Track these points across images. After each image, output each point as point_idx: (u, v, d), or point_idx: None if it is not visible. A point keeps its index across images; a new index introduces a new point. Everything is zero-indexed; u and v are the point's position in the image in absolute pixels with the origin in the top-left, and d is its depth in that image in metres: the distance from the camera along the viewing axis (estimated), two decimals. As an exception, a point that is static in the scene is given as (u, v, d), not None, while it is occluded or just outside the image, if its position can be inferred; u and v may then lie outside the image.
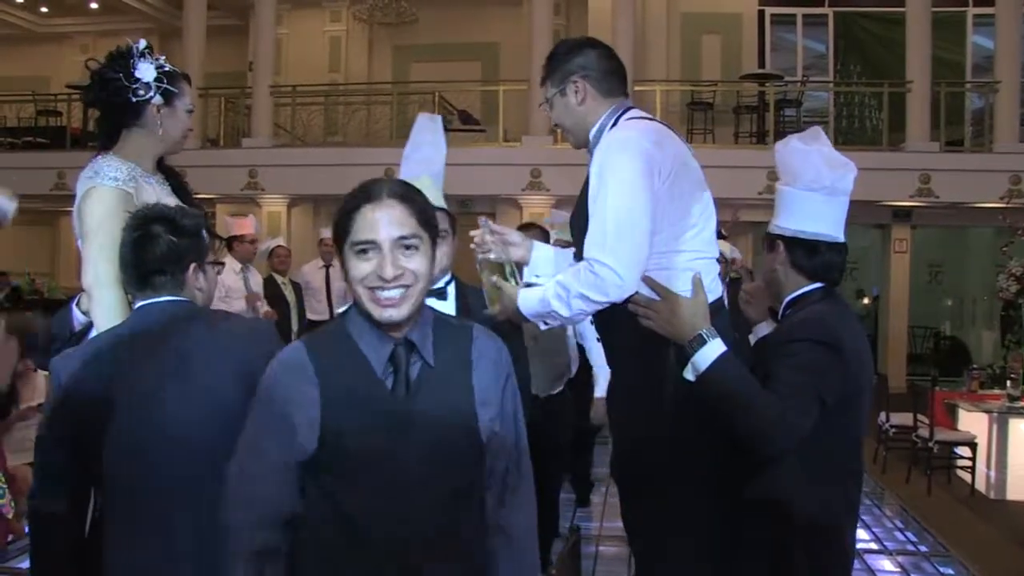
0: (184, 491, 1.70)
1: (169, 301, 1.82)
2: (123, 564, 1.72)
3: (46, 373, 2.34)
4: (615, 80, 2.06)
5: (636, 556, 2.13)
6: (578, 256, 2.09)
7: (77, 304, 2.19)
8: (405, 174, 2.22)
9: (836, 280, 2.04)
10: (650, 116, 2.08)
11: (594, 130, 2.04)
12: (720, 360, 1.81)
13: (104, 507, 1.78)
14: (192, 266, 1.84)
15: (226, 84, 12.12)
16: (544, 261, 2.17)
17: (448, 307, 2.22)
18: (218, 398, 1.72)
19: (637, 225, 1.86)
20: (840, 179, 1.98)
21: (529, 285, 2.11)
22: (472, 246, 2.10)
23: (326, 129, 12.06)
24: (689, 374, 1.85)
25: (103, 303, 2.08)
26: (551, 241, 3.97)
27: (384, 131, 11.47)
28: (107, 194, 2.12)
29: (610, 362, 2.14)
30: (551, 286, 1.92)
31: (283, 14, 12.77)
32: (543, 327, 2.02)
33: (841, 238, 2.02)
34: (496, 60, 12.62)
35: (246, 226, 5.98)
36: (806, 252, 2.00)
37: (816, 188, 1.98)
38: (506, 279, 2.04)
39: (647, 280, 1.88)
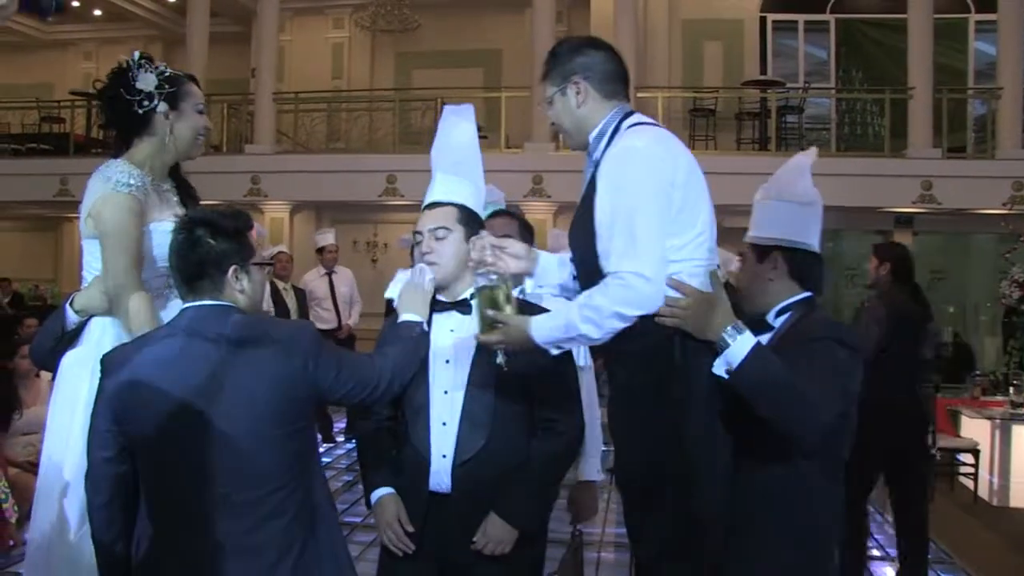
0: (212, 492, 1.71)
1: (209, 306, 1.79)
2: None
3: (48, 376, 2.35)
4: (617, 83, 2.00)
5: (640, 563, 2.09)
6: (578, 265, 2.04)
7: (71, 304, 2.19)
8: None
9: (821, 289, 2.08)
10: (654, 121, 2.04)
11: (594, 134, 1.98)
12: (756, 349, 1.81)
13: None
14: (232, 268, 1.81)
15: (229, 91, 12.15)
16: (550, 271, 2.10)
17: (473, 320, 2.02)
18: (246, 405, 1.72)
19: (659, 234, 1.84)
20: (815, 191, 2.06)
21: (524, 302, 2.03)
22: (469, 264, 2.01)
23: (328, 135, 12.09)
24: (720, 368, 1.83)
25: (130, 309, 2.08)
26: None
27: (386, 138, 11.49)
28: (123, 200, 2.15)
29: (609, 368, 2.07)
30: (574, 311, 1.83)
31: (286, 21, 12.81)
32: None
33: (818, 248, 2.07)
34: (498, 67, 12.64)
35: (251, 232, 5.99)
36: (805, 261, 2.03)
37: (806, 201, 2.05)
38: (501, 305, 1.88)
39: (673, 282, 1.85)
